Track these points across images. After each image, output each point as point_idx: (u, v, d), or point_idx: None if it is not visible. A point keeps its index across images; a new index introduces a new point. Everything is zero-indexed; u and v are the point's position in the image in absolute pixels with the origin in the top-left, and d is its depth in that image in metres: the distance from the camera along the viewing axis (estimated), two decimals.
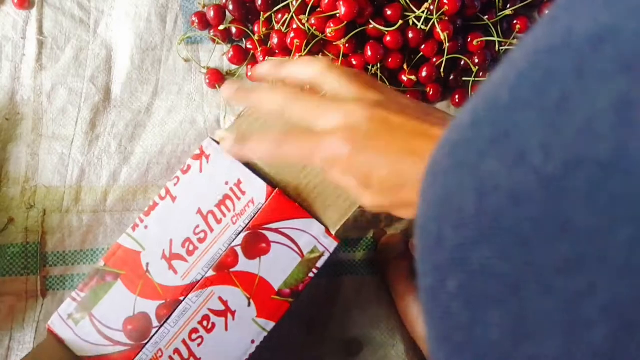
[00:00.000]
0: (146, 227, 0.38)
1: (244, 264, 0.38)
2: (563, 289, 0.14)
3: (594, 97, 0.14)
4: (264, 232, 0.38)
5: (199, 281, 0.38)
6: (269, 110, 0.35)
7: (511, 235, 0.15)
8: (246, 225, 0.39)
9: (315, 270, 0.38)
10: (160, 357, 0.37)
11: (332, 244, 0.39)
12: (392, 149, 0.32)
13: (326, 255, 0.39)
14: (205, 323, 0.37)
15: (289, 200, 0.39)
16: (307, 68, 0.36)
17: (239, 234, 0.38)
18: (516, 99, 0.17)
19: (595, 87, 0.14)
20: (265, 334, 0.37)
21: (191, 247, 0.38)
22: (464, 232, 0.17)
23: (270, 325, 0.38)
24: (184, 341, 0.37)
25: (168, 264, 0.38)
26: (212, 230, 0.38)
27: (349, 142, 0.32)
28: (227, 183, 0.39)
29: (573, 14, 0.16)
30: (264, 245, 0.38)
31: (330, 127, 0.32)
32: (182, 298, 0.37)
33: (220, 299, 0.37)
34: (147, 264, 0.38)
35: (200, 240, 0.38)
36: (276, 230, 0.38)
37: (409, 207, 0.33)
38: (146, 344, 0.37)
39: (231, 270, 0.38)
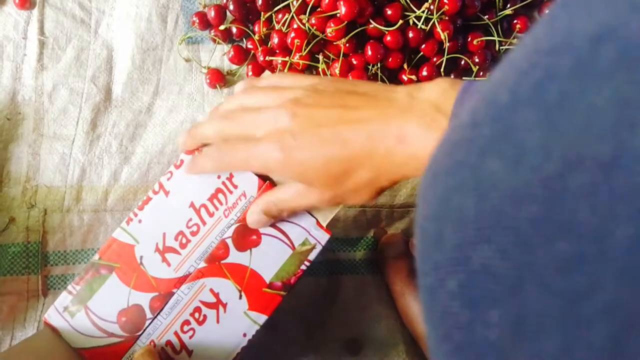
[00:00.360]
0: (140, 221, 0.39)
1: (235, 256, 0.38)
2: (563, 288, 0.14)
3: (594, 96, 0.14)
4: None
5: (192, 273, 0.38)
6: (215, 138, 0.38)
7: (511, 235, 0.15)
8: (238, 218, 0.39)
9: (307, 263, 0.39)
10: (153, 348, 0.37)
11: (323, 237, 0.39)
12: (320, 142, 0.33)
13: (318, 248, 0.39)
14: (196, 315, 0.37)
15: None
16: (231, 104, 0.38)
17: (231, 227, 0.39)
18: (516, 99, 0.17)
19: (594, 87, 0.14)
20: (257, 327, 0.38)
21: (184, 240, 0.38)
22: (464, 232, 0.17)
23: (262, 318, 0.38)
24: (175, 333, 0.37)
25: (161, 257, 0.38)
26: (204, 223, 0.39)
27: (279, 146, 0.34)
28: (219, 177, 0.39)
29: (573, 14, 0.16)
30: (254, 237, 0.39)
31: (262, 135, 0.34)
32: (175, 290, 0.38)
33: (211, 290, 0.38)
34: (141, 257, 0.38)
35: (193, 234, 0.39)
36: None
37: (359, 191, 0.35)
38: (140, 335, 0.37)
39: (222, 262, 0.38)
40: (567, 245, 0.14)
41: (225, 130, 0.37)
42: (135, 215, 0.39)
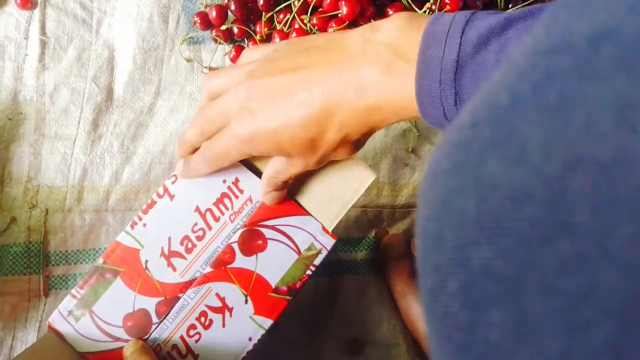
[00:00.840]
0: (144, 224, 0.38)
1: (241, 261, 0.38)
2: (563, 289, 0.14)
3: (594, 97, 0.14)
4: (260, 229, 0.39)
5: (198, 278, 0.38)
6: (199, 141, 0.37)
7: (512, 236, 0.15)
8: (244, 223, 0.39)
9: (312, 268, 0.38)
10: (159, 352, 0.37)
11: (329, 242, 0.39)
12: (279, 112, 0.32)
13: (324, 253, 0.39)
14: (202, 319, 0.37)
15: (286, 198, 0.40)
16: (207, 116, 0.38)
17: (237, 231, 0.39)
18: (516, 99, 0.17)
19: (594, 87, 0.14)
20: (263, 331, 0.38)
21: (189, 245, 0.38)
22: (465, 233, 0.17)
23: (267, 323, 0.38)
24: (181, 337, 0.37)
25: (167, 261, 0.38)
26: (210, 228, 0.39)
27: (241, 127, 0.33)
28: (224, 181, 0.39)
29: (573, 14, 0.16)
30: (260, 242, 0.39)
31: (231, 120, 0.34)
32: (180, 295, 0.38)
33: (217, 295, 0.38)
34: (146, 261, 0.38)
35: (199, 238, 0.38)
36: (272, 227, 0.39)
37: (338, 150, 0.34)
38: (146, 339, 0.37)
39: (228, 266, 0.38)
40: (568, 246, 0.14)
41: (203, 129, 0.36)
42: (140, 219, 0.39)
